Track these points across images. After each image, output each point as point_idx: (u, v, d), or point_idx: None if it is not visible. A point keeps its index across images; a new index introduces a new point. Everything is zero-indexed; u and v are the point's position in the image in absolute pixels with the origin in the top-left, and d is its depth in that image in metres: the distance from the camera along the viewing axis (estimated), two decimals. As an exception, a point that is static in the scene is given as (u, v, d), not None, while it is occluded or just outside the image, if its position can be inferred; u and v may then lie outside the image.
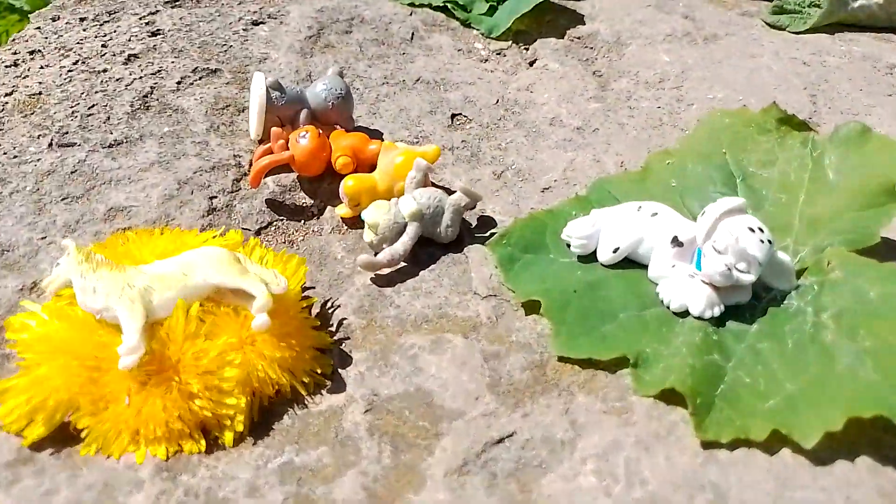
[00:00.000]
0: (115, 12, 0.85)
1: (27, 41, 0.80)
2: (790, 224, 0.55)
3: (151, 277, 0.47)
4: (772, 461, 0.44)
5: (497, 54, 0.85)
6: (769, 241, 0.49)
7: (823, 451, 0.44)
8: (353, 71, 0.78)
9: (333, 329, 0.53)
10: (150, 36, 0.81)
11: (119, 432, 0.45)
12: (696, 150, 0.61)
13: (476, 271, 0.57)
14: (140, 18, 0.84)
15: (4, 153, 0.64)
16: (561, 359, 0.50)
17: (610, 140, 0.70)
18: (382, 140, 0.66)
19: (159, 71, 0.75)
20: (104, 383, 0.45)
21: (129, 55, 0.77)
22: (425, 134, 0.71)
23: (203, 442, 0.46)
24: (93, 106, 0.70)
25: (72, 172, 0.63)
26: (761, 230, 0.49)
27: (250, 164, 0.65)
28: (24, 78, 0.74)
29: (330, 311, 0.54)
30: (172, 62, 0.77)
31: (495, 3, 0.90)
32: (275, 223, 0.62)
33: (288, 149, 0.63)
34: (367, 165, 0.64)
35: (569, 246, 0.56)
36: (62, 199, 0.61)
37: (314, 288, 0.56)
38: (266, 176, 0.64)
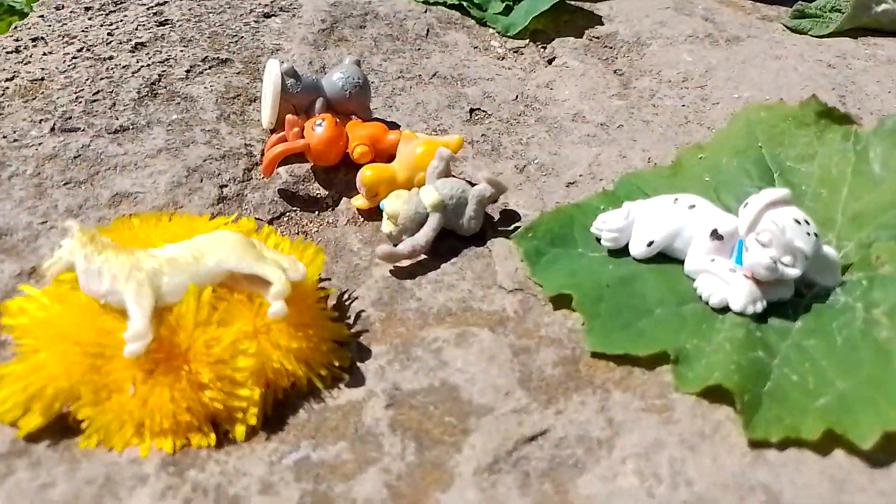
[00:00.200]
0: (121, 2, 0.82)
1: (30, 28, 0.77)
2: (832, 219, 0.53)
3: (161, 261, 0.44)
4: (825, 462, 0.41)
5: (514, 52, 0.83)
6: (816, 234, 0.47)
7: (880, 452, 0.41)
8: (368, 64, 0.76)
9: (351, 322, 0.50)
10: (157, 25, 0.78)
11: (122, 424, 0.42)
12: (731, 145, 0.59)
13: (500, 265, 0.54)
14: (148, 8, 0.81)
15: (4, 137, 0.61)
16: (594, 355, 0.47)
17: (635, 136, 0.68)
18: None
19: (167, 59, 0.73)
20: (107, 371, 0.42)
21: (136, 43, 0.75)
22: (444, 127, 0.68)
23: (213, 435, 0.42)
24: (98, 92, 0.67)
25: (75, 157, 0.60)
26: (807, 222, 0.47)
27: (262, 153, 0.63)
28: (25, 64, 0.71)
29: (347, 304, 0.51)
30: (181, 51, 0.74)
31: (511, 3, 0.88)
32: (288, 213, 0.59)
33: (303, 137, 0.60)
34: (385, 156, 0.61)
35: (598, 240, 0.54)
36: (64, 184, 0.58)
37: (330, 280, 0.53)
38: (279, 165, 0.61)
